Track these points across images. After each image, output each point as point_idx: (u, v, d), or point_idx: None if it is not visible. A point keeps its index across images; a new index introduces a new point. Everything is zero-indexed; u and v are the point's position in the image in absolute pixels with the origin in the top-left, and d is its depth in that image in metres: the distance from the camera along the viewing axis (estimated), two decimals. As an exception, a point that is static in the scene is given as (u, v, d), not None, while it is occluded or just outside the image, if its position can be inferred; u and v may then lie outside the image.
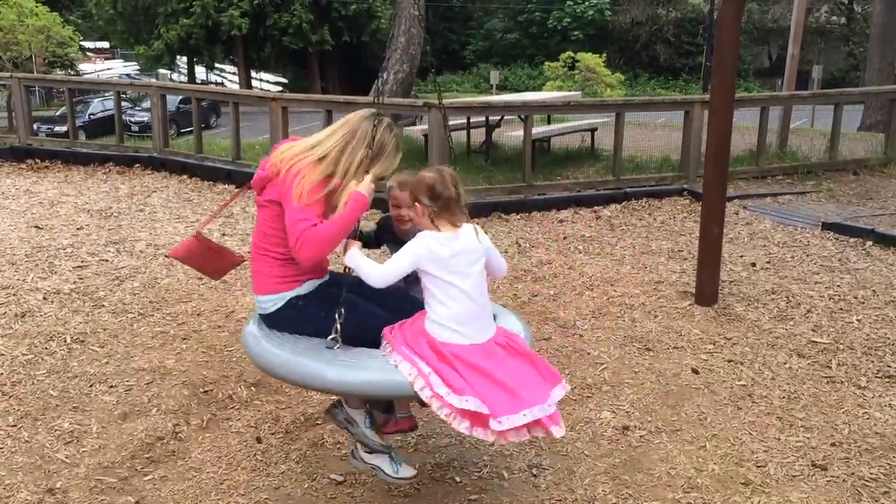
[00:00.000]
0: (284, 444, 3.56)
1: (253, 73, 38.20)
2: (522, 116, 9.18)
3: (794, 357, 4.50)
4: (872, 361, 4.44)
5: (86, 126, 19.65)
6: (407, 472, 3.00)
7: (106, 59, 43.50)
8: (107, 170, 10.33)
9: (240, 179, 9.36)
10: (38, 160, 10.72)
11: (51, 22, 23.80)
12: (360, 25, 34.37)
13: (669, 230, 7.46)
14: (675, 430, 3.68)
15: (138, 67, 41.35)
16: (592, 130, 11.54)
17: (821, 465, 3.37)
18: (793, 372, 4.31)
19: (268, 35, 32.49)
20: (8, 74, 12.96)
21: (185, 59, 36.94)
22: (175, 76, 37.06)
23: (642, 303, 5.40)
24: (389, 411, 3.10)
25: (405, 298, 3.01)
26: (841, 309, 5.27)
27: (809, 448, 3.52)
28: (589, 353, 4.55)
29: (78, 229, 7.23)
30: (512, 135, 10.97)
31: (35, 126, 13.56)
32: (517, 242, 6.96)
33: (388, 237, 3.32)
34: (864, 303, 5.38)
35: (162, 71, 33.28)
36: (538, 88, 28.59)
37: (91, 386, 4.09)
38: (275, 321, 2.90)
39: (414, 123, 12.84)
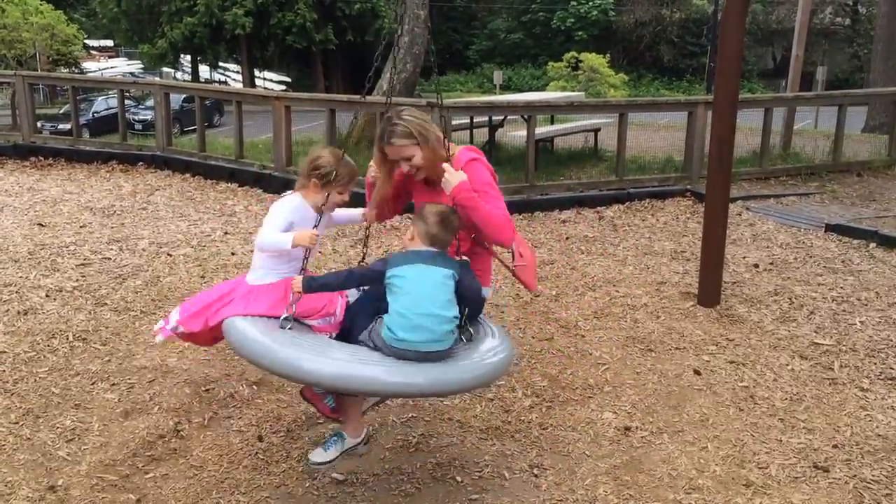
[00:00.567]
0: (286, 442, 3.56)
1: (256, 72, 38.23)
2: (526, 116, 9.17)
3: (796, 359, 4.50)
4: (875, 363, 4.43)
5: (89, 124, 19.68)
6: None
7: (110, 57, 43.53)
8: (110, 168, 10.35)
9: (243, 178, 9.37)
10: (41, 158, 10.74)
11: (55, 20, 23.84)
12: (363, 25, 34.37)
13: (672, 231, 7.45)
14: (676, 431, 3.68)
15: (142, 66, 41.38)
16: (596, 131, 11.53)
17: (823, 467, 3.36)
18: (795, 373, 4.31)
19: (271, 34, 32.52)
20: (12, 72, 13.00)
21: (188, 57, 36.97)
22: (179, 75, 37.17)
23: (645, 303, 5.39)
24: None
25: None
26: (844, 311, 5.26)
27: (811, 450, 3.51)
28: (591, 354, 4.55)
29: (81, 227, 7.24)
30: (515, 135, 10.97)
31: (39, 124, 13.55)
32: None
33: None
34: (867, 305, 5.37)
35: (165, 69, 33.46)
36: (542, 88, 28.59)
37: (93, 384, 4.10)
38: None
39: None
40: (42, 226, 7.24)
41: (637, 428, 3.70)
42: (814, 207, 8.25)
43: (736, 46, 5.09)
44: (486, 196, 2.93)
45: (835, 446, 3.54)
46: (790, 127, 11.15)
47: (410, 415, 3.80)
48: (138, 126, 19.71)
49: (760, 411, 3.87)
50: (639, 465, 3.39)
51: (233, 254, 6.47)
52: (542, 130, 10.46)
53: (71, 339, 4.65)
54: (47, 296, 5.36)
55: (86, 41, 31.67)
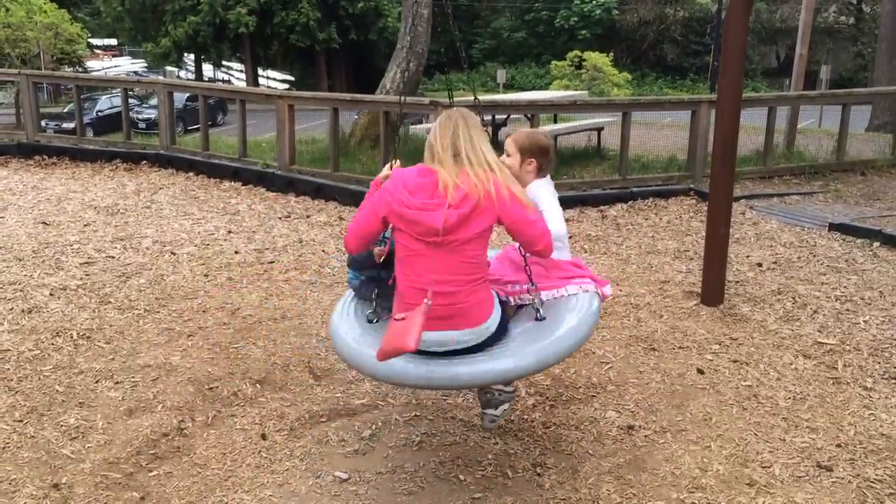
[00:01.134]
0: (289, 441, 3.56)
1: (260, 71, 38.27)
2: (529, 115, 9.17)
3: (799, 358, 4.49)
4: (879, 363, 4.42)
5: (93, 123, 19.71)
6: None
7: (114, 56, 43.61)
8: (114, 167, 10.37)
9: (246, 177, 9.39)
10: (45, 157, 10.76)
11: (59, 19, 23.83)
12: (367, 23, 34.38)
13: (675, 230, 7.45)
14: (679, 430, 3.68)
15: (146, 65, 41.45)
16: (599, 130, 11.52)
17: (826, 466, 3.36)
18: (798, 373, 4.30)
19: (275, 33, 32.54)
20: (16, 71, 13.03)
21: (192, 56, 37.00)
22: (182, 74, 37.17)
23: (648, 302, 5.39)
24: None
25: None
26: (847, 310, 5.25)
27: (815, 449, 3.51)
28: (594, 353, 4.55)
29: (85, 226, 7.26)
30: (518, 134, 10.94)
31: (43, 123, 13.60)
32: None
33: None
34: (870, 304, 5.36)
35: (169, 68, 33.48)
36: (545, 87, 28.56)
37: (97, 382, 4.11)
38: (490, 338, 2.95)
39: (420, 122, 12.85)
40: (46, 224, 7.26)
41: (640, 427, 3.70)
42: (817, 206, 8.24)
43: (739, 45, 5.08)
44: None
45: (838, 445, 3.54)
46: (794, 126, 11.14)
47: (414, 413, 3.81)
48: (142, 125, 19.74)
49: (764, 410, 3.87)
50: (642, 464, 3.39)
51: (236, 252, 6.48)
52: (545, 129, 10.45)
53: (75, 337, 4.66)
54: (51, 294, 5.37)
55: (90, 40, 31.66)
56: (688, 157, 9.29)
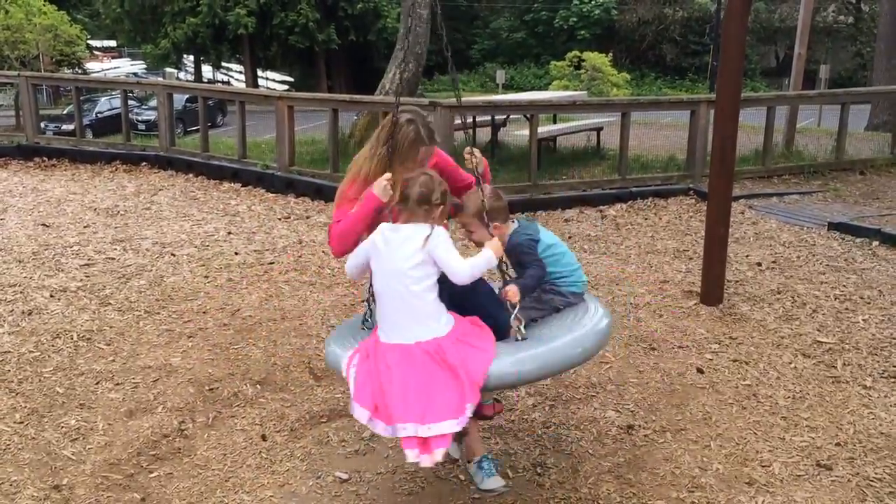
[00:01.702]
0: (289, 441, 3.57)
1: (259, 72, 38.21)
2: (528, 116, 9.18)
3: (799, 357, 4.50)
4: (878, 361, 4.43)
5: (92, 125, 19.70)
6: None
7: (113, 57, 43.56)
8: (113, 168, 10.38)
9: (246, 178, 9.39)
10: (45, 158, 10.78)
11: (58, 21, 23.82)
12: (366, 24, 34.35)
13: (675, 230, 7.45)
14: (679, 430, 3.68)
15: (145, 66, 41.42)
16: (598, 130, 11.52)
17: (826, 465, 3.36)
18: (798, 372, 4.31)
19: (274, 34, 32.51)
20: (15, 73, 13.03)
21: (191, 57, 36.98)
22: (182, 75, 37.16)
23: (647, 302, 5.39)
24: None
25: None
26: (847, 309, 5.26)
27: (814, 448, 3.51)
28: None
29: (85, 227, 7.26)
30: (518, 134, 10.97)
31: (42, 124, 13.60)
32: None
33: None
34: (870, 303, 5.37)
35: (168, 70, 33.47)
36: (544, 88, 28.53)
37: (97, 383, 4.11)
38: None
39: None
40: (46, 226, 7.26)
41: (640, 426, 3.71)
42: (816, 206, 8.24)
43: (738, 45, 5.09)
44: None
45: (838, 444, 3.54)
46: (793, 125, 11.14)
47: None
48: (141, 126, 19.75)
49: (763, 409, 3.88)
50: (642, 463, 3.40)
51: (236, 253, 6.49)
52: (544, 130, 10.47)
53: (75, 338, 4.66)
54: (52, 296, 5.38)
55: (89, 42, 31.66)
56: (687, 157, 9.29)
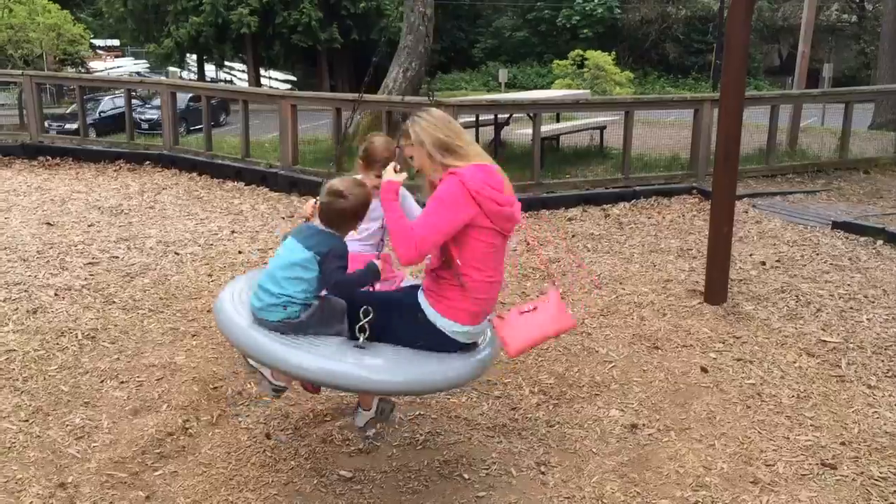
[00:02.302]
0: (294, 440, 3.57)
1: (262, 71, 38.28)
2: (531, 114, 9.18)
3: (803, 356, 4.49)
4: (882, 360, 4.42)
5: (96, 124, 19.73)
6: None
7: (116, 56, 43.63)
8: (117, 167, 10.39)
9: (249, 177, 9.40)
10: (49, 157, 10.78)
11: (62, 20, 23.89)
12: (368, 23, 34.37)
13: (678, 229, 7.45)
14: (683, 429, 3.68)
15: (148, 65, 41.49)
16: (601, 129, 11.52)
17: (830, 465, 3.36)
18: (802, 371, 4.30)
19: (277, 33, 32.55)
20: (19, 72, 13.05)
21: (194, 57, 37.04)
22: (185, 74, 37.19)
23: (651, 301, 5.39)
24: None
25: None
26: (851, 308, 5.25)
27: (819, 447, 3.51)
28: (597, 352, 4.55)
29: (89, 226, 7.27)
30: (521, 133, 10.97)
31: (46, 123, 13.63)
32: (525, 240, 6.96)
33: None
34: (874, 302, 5.36)
35: (172, 69, 33.50)
36: (547, 86, 28.50)
37: (102, 382, 4.12)
38: None
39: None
40: (50, 225, 7.27)
41: (644, 425, 3.71)
42: (820, 205, 8.23)
43: (742, 43, 5.08)
44: (426, 210, 2.79)
45: (842, 444, 3.54)
46: (796, 124, 11.14)
47: (418, 412, 3.82)
48: (145, 125, 19.77)
49: (767, 409, 3.87)
50: (646, 462, 3.40)
51: (240, 252, 6.49)
52: (547, 128, 10.47)
53: (80, 337, 4.67)
54: (56, 294, 5.38)
55: (92, 41, 31.73)
56: (690, 156, 9.29)
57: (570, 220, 7.81)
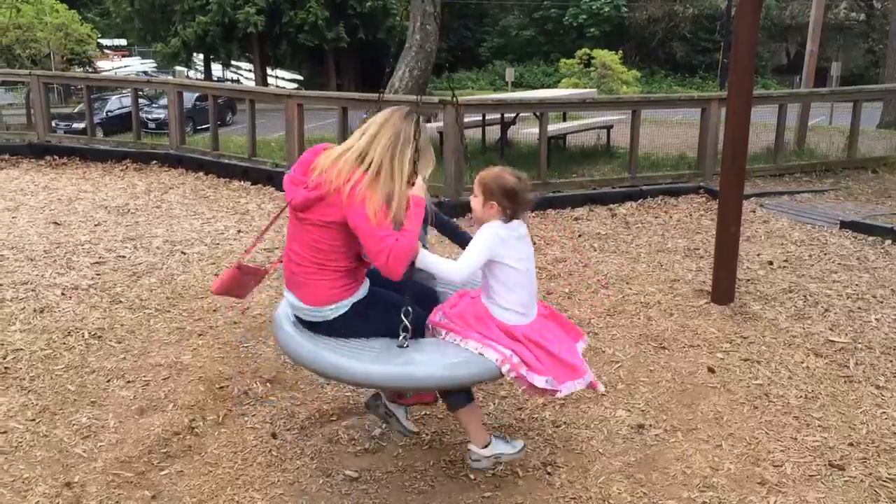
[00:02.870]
0: (299, 439, 3.57)
1: (269, 71, 38.34)
2: (538, 114, 9.16)
3: (811, 356, 4.47)
4: (891, 361, 4.40)
5: (103, 123, 19.80)
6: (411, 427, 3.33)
7: (123, 56, 43.77)
8: (124, 167, 10.41)
9: (255, 176, 9.41)
10: (56, 157, 10.82)
11: (69, 19, 23.98)
12: (375, 23, 34.40)
13: (686, 228, 7.42)
14: (690, 429, 3.67)
15: (155, 65, 41.60)
16: (608, 128, 11.49)
17: (838, 466, 3.34)
18: (810, 371, 4.28)
19: (283, 32, 32.60)
20: (27, 72, 13.10)
21: (201, 56, 37.12)
22: (191, 73, 37.30)
23: (658, 301, 5.37)
24: None
25: (420, 288, 3.13)
26: (859, 308, 5.22)
27: (827, 448, 3.49)
28: (604, 352, 4.54)
29: (96, 225, 7.29)
30: (527, 132, 10.96)
31: (53, 123, 13.66)
32: (532, 240, 6.95)
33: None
34: (882, 302, 5.34)
35: (178, 68, 33.58)
36: (554, 85, 28.50)
37: (108, 381, 4.13)
38: (333, 327, 2.96)
39: (429, 120, 12.84)
40: (57, 224, 7.30)
41: (651, 426, 3.70)
42: (828, 204, 8.20)
43: (750, 42, 5.06)
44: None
45: (850, 444, 3.52)
46: (804, 123, 11.09)
47: (423, 412, 3.81)
48: (152, 125, 19.82)
49: (775, 409, 3.86)
50: (652, 463, 3.38)
51: (246, 251, 6.49)
52: (554, 128, 10.44)
53: (86, 336, 4.68)
54: (63, 294, 5.40)
55: (99, 40, 31.80)
56: (698, 155, 9.26)
57: (576, 219, 7.79)
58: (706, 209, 8.05)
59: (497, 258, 2.86)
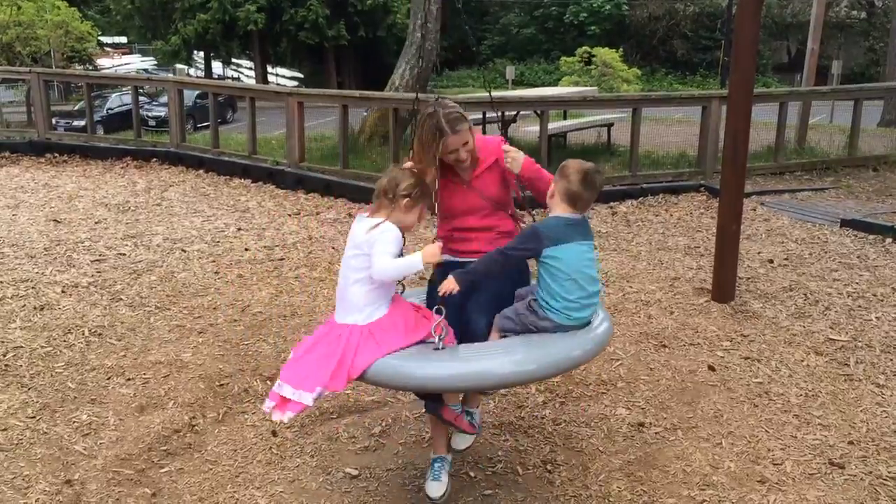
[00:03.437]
0: (299, 437, 3.57)
1: (269, 69, 38.27)
2: (539, 112, 9.15)
3: (811, 354, 4.47)
4: (891, 359, 4.40)
5: (103, 121, 19.77)
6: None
7: (123, 54, 43.75)
8: (124, 164, 10.41)
9: (256, 174, 9.41)
10: (56, 154, 10.82)
11: (70, 17, 23.92)
12: (375, 20, 34.34)
13: (686, 226, 7.42)
14: (690, 428, 3.67)
15: (155, 62, 41.55)
16: (609, 126, 11.49)
17: (838, 464, 3.34)
18: (810, 369, 4.28)
19: (284, 30, 32.55)
20: (27, 69, 13.09)
21: (201, 54, 37.08)
22: (192, 71, 37.26)
23: (658, 299, 5.37)
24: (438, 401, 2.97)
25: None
26: (859, 306, 5.22)
27: (827, 446, 3.49)
28: (604, 349, 4.53)
29: (96, 223, 7.29)
30: (528, 130, 10.94)
31: (53, 121, 13.65)
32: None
33: None
34: (882, 300, 5.33)
35: (179, 66, 33.55)
36: (554, 84, 28.46)
37: (108, 379, 4.13)
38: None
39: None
40: (57, 222, 7.29)
41: (651, 424, 3.69)
42: (829, 202, 8.19)
43: (750, 40, 5.05)
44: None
45: (850, 443, 3.52)
46: (805, 121, 11.08)
47: (423, 410, 3.80)
48: (152, 122, 19.80)
49: (775, 407, 3.85)
50: (652, 461, 3.38)
51: (246, 249, 6.50)
52: (554, 126, 10.44)
53: (87, 334, 4.68)
54: (63, 291, 5.40)
55: (100, 38, 31.78)
56: (698, 154, 9.25)
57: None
58: (707, 207, 8.04)
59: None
